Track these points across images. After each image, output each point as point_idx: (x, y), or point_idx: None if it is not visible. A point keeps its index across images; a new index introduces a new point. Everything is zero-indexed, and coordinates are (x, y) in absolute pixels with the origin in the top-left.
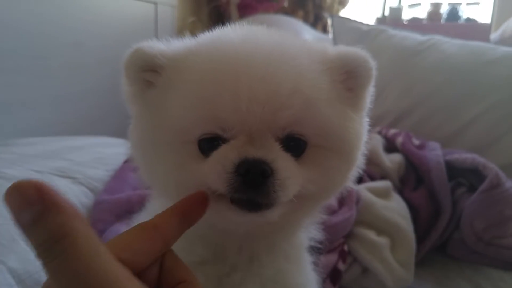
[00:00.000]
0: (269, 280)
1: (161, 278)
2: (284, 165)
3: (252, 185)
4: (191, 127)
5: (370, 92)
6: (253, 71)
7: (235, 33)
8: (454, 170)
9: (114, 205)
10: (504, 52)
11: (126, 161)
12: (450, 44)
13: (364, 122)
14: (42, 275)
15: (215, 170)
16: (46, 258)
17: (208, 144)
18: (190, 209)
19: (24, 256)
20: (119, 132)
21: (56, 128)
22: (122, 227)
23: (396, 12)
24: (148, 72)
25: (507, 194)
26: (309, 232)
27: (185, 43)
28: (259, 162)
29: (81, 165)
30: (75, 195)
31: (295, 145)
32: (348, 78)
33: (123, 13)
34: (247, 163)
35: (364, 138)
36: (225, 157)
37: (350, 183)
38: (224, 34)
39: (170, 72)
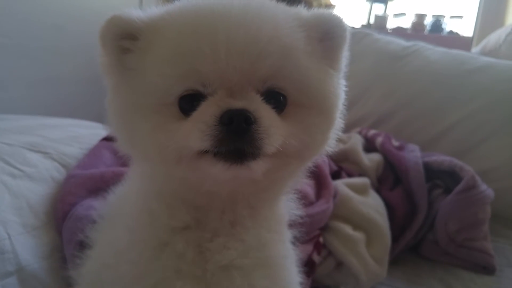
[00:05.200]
0: (252, 248)
1: None
2: (266, 114)
3: (237, 133)
4: (171, 84)
5: (345, 55)
6: (230, 20)
7: None
8: (431, 172)
9: (87, 179)
10: (485, 61)
11: (102, 140)
12: (433, 51)
13: (341, 84)
14: (6, 244)
15: (197, 127)
16: None
17: (189, 103)
18: None
19: None
20: (98, 121)
21: (30, 111)
22: (94, 202)
23: (381, 20)
24: (126, 39)
25: (482, 196)
26: (288, 206)
27: (162, 8)
28: (242, 110)
29: (54, 141)
30: (46, 169)
31: (276, 101)
32: (325, 38)
33: None
34: (229, 112)
35: (342, 99)
36: (206, 113)
37: (329, 145)
38: None
39: (148, 35)
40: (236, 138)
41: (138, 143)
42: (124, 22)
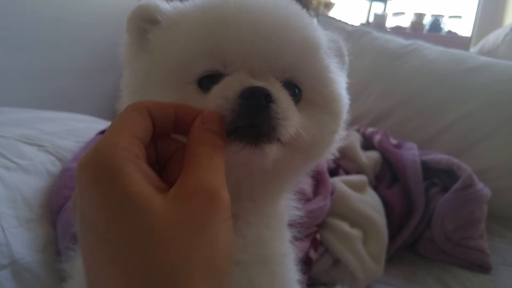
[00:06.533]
0: (251, 245)
1: (158, 156)
2: (285, 98)
3: (256, 107)
4: (193, 62)
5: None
6: (259, 5)
7: None
8: (429, 171)
9: None
10: (483, 61)
11: (99, 133)
12: (432, 50)
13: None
14: (0, 236)
15: (218, 98)
16: None
17: (208, 83)
18: (188, 116)
19: None
20: (94, 114)
21: (26, 103)
22: None
23: (380, 19)
24: (149, 24)
25: (479, 195)
26: (288, 206)
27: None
28: (263, 88)
29: (50, 134)
30: (41, 162)
31: (291, 93)
32: (338, 53)
33: None
34: (251, 88)
35: (346, 108)
36: (228, 86)
37: (332, 150)
38: None
39: (173, 15)
40: (254, 113)
41: None
42: (150, 8)
